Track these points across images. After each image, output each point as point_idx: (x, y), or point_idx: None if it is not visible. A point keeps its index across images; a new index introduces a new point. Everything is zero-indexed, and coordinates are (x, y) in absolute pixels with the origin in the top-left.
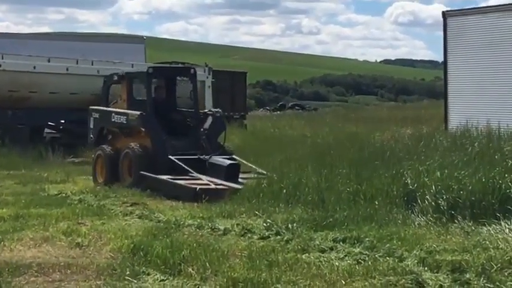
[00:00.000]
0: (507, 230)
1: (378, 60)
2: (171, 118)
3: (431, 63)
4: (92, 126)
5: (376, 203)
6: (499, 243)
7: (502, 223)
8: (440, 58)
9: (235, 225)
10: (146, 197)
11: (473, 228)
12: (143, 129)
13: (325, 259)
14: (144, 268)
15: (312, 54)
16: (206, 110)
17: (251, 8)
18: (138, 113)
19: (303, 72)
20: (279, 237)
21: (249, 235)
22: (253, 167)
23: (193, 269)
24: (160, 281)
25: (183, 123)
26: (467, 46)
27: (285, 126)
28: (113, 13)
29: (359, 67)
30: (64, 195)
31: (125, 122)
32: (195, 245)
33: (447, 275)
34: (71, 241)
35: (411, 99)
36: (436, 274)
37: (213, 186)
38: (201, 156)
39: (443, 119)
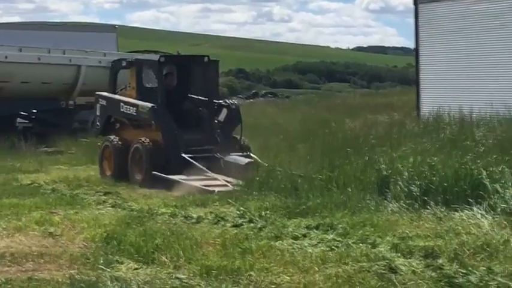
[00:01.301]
0: (479, 215)
1: (350, 48)
2: (183, 108)
3: (403, 50)
4: (98, 113)
5: (349, 189)
6: (471, 228)
7: (474, 208)
8: (412, 45)
9: (208, 214)
10: (119, 186)
11: (445, 213)
12: (154, 123)
13: (299, 246)
14: (117, 257)
15: (284, 42)
16: (221, 101)
17: None
18: (150, 105)
19: (275, 60)
20: (252, 224)
21: (222, 223)
22: (271, 166)
23: (166, 257)
24: (133, 269)
25: (195, 113)
26: (438, 33)
27: (258, 114)
28: (84, 2)
29: (331, 54)
30: (37, 184)
31: (134, 114)
32: (168, 233)
33: (420, 260)
34: (44, 231)
35: (384, 86)
36: (408, 260)
37: (230, 187)
38: (216, 155)
39: (416, 105)
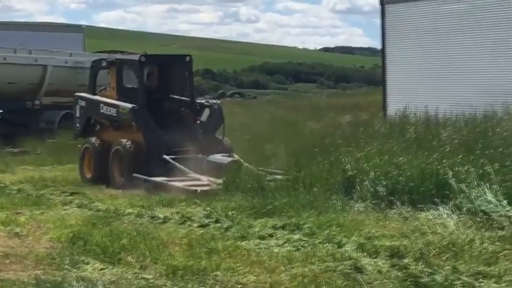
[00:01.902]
0: (445, 215)
1: (317, 48)
2: (164, 108)
3: (370, 51)
4: (78, 115)
5: (316, 189)
6: (437, 228)
7: (440, 208)
8: (378, 45)
9: (174, 214)
10: (86, 187)
11: (411, 213)
12: (135, 124)
13: (265, 246)
14: (83, 257)
15: (251, 43)
16: (203, 101)
17: None
18: (130, 106)
19: (242, 61)
20: (218, 224)
21: (189, 223)
22: (253, 167)
23: (132, 258)
24: (99, 269)
25: (177, 114)
26: (404, 33)
27: (225, 114)
28: (50, 2)
29: (298, 55)
30: (2, 185)
31: (115, 115)
32: (134, 233)
33: (386, 260)
34: (10, 231)
35: (351, 86)
36: (374, 259)
37: (214, 186)
38: (199, 155)
39: (382, 105)
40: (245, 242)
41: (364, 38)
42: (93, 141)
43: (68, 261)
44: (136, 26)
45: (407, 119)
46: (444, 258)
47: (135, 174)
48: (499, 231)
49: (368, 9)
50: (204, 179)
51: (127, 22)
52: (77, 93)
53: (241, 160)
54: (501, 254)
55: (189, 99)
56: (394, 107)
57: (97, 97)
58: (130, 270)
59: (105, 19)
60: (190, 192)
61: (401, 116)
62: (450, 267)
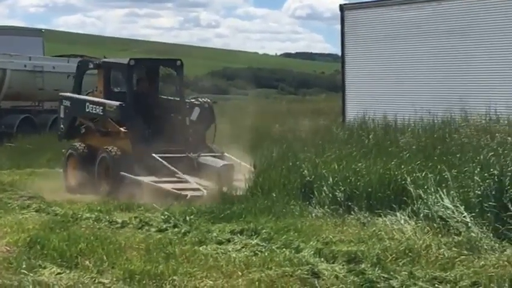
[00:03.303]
0: (402, 220)
1: (278, 54)
2: (154, 114)
3: (331, 57)
4: (62, 115)
5: (274, 195)
6: (394, 233)
7: (398, 214)
8: (339, 51)
9: (133, 218)
10: (44, 191)
11: (369, 219)
12: (123, 129)
13: (222, 251)
14: (40, 261)
15: (212, 48)
16: (193, 100)
17: (149, 0)
18: (117, 103)
19: (202, 66)
20: (176, 229)
21: (147, 228)
22: (247, 166)
23: (90, 262)
24: (56, 274)
25: (166, 119)
26: (364, 39)
27: None
28: (10, 5)
29: (259, 60)
30: None
31: (101, 113)
32: (92, 238)
33: (343, 265)
34: None
35: (311, 92)
36: (332, 265)
37: (204, 192)
38: (189, 155)
39: (341, 111)
40: (203, 247)
41: (324, 44)
42: (78, 147)
43: (25, 266)
44: (96, 30)
45: (366, 124)
46: (401, 263)
47: (121, 173)
48: (456, 237)
49: (328, 15)
50: (193, 182)
51: (87, 26)
52: (61, 93)
53: (237, 160)
54: (457, 259)
55: (178, 99)
56: (353, 112)
57: (82, 96)
58: (88, 274)
59: (65, 23)
60: (180, 196)
61: (360, 122)
62: (407, 273)
